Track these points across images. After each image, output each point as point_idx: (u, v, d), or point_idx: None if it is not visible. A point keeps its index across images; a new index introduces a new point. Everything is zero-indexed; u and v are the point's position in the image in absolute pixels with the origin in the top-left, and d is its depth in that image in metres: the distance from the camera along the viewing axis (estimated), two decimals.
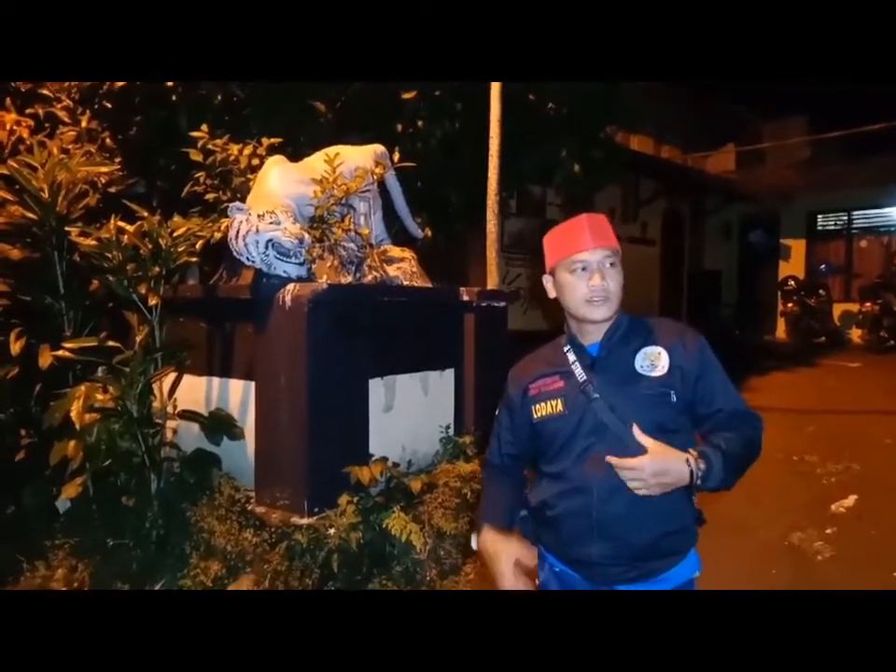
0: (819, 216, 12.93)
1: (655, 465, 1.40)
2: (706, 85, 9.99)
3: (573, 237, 1.58)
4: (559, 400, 1.58)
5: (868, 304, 10.31)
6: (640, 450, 1.44)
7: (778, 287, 11.75)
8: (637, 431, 1.44)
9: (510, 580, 1.60)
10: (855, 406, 6.33)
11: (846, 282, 12.21)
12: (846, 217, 12.73)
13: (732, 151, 13.76)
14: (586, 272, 1.56)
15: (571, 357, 1.61)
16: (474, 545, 1.71)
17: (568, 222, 1.62)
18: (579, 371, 1.57)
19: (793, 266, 12.56)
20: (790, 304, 10.66)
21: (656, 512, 1.48)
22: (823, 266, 11.62)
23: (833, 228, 12.96)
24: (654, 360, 1.53)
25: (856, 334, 10.87)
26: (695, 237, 13.69)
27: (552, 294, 1.66)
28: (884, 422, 5.62)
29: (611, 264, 1.57)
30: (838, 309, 11.43)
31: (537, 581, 1.68)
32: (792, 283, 11.07)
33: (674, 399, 1.51)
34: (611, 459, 1.43)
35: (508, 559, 1.61)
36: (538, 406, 1.61)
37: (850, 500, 3.99)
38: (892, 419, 5.72)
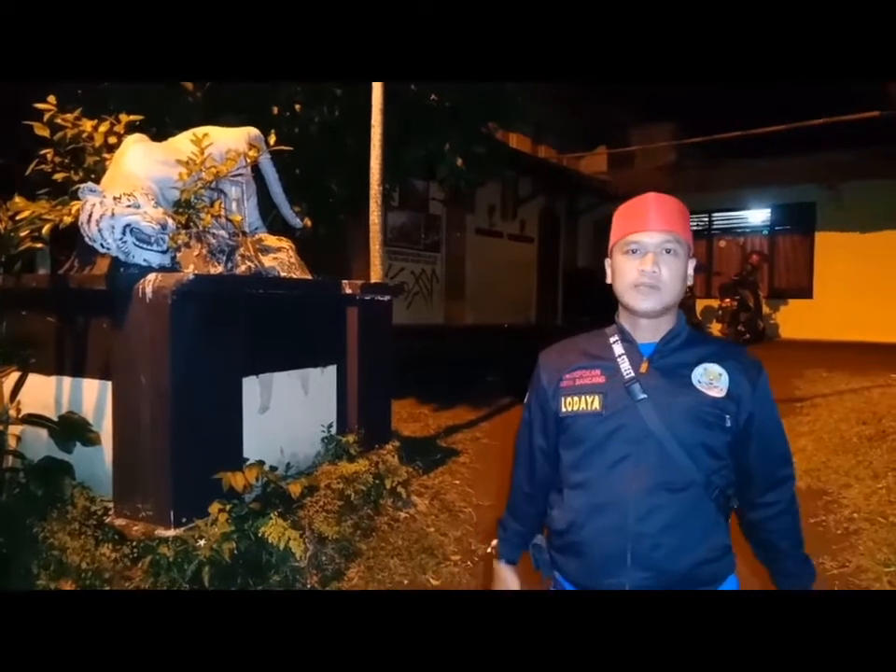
0: None
1: None
2: (580, 87, 10.32)
3: (633, 216, 1.41)
4: (596, 397, 1.39)
5: (727, 300, 11.05)
6: (686, 466, 1.32)
7: None
8: None
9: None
10: None
11: (706, 279, 13.03)
12: (706, 219, 13.60)
13: (604, 153, 14.35)
14: (637, 254, 1.38)
15: (618, 349, 1.42)
16: (490, 549, 1.63)
17: (633, 200, 1.44)
18: (625, 367, 1.39)
19: None
20: None
21: (698, 535, 1.33)
22: None
23: (694, 228, 13.53)
24: (714, 379, 1.37)
25: (716, 328, 11.59)
26: (570, 235, 14.18)
27: (609, 279, 1.47)
28: None
29: (670, 251, 1.37)
30: (700, 304, 12.17)
31: None
32: None
33: (728, 423, 1.35)
34: None
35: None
36: (569, 399, 1.42)
37: None
38: None
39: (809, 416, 5.58)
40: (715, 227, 13.59)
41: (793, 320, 12.01)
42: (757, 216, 13.18)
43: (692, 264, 1.45)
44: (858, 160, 10.65)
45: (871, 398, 6.04)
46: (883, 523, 3.58)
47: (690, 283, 1.44)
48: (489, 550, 1.61)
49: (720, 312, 11.24)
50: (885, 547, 3.30)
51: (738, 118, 10.10)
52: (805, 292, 12.21)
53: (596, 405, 1.38)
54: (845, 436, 5.00)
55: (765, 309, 11.89)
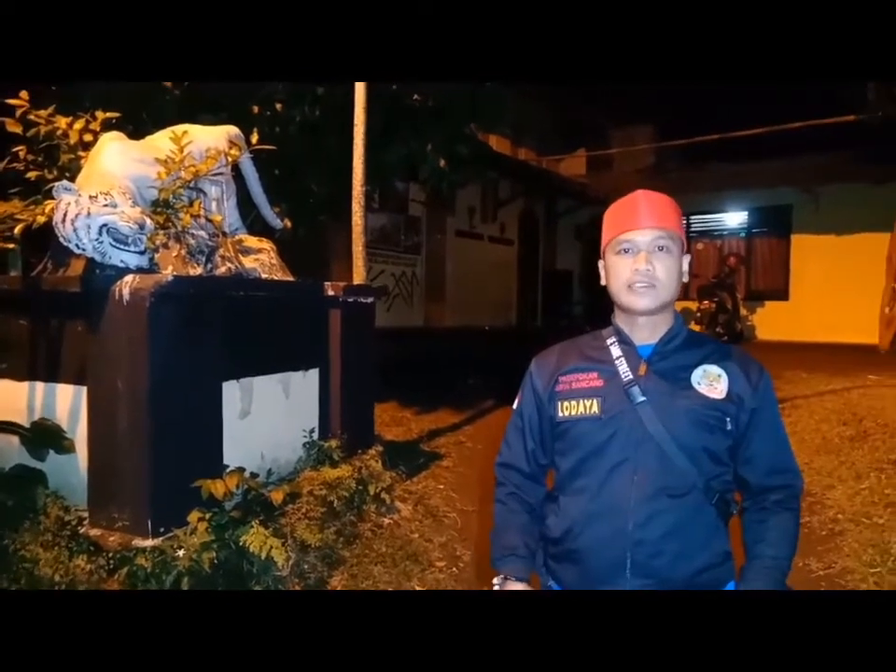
0: None
1: None
2: (560, 88, 10.33)
3: (623, 215, 1.38)
4: (594, 401, 1.35)
5: (706, 302, 11.13)
6: (687, 470, 1.28)
7: None
8: None
9: None
10: None
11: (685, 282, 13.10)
12: (685, 221, 13.64)
13: (583, 156, 14.37)
14: (630, 253, 1.35)
15: (616, 351, 1.39)
16: (497, 586, 1.43)
17: (623, 199, 1.41)
18: (624, 369, 1.36)
19: None
20: None
21: (699, 541, 1.31)
22: None
23: None
24: (714, 381, 1.34)
25: (694, 329, 11.68)
26: (549, 238, 14.21)
27: (603, 280, 1.44)
28: None
29: (662, 248, 1.34)
30: (678, 306, 12.09)
31: None
32: None
33: (729, 426, 1.33)
34: None
35: None
36: (565, 404, 1.38)
37: None
38: None
39: (790, 417, 5.60)
40: (693, 229, 13.67)
41: (770, 322, 12.13)
42: (734, 218, 13.30)
43: (686, 260, 1.42)
44: (834, 163, 10.75)
45: (850, 399, 6.08)
46: (867, 524, 3.59)
47: (685, 279, 1.42)
48: (495, 587, 1.44)
49: (698, 314, 11.30)
50: (870, 548, 3.31)
51: (717, 121, 10.17)
52: (782, 294, 12.33)
53: (595, 409, 1.35)
54: (826, 437, 5.03)
55: (742, 311, 11.98)
